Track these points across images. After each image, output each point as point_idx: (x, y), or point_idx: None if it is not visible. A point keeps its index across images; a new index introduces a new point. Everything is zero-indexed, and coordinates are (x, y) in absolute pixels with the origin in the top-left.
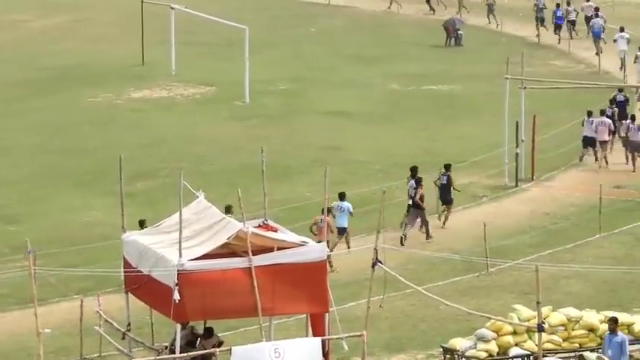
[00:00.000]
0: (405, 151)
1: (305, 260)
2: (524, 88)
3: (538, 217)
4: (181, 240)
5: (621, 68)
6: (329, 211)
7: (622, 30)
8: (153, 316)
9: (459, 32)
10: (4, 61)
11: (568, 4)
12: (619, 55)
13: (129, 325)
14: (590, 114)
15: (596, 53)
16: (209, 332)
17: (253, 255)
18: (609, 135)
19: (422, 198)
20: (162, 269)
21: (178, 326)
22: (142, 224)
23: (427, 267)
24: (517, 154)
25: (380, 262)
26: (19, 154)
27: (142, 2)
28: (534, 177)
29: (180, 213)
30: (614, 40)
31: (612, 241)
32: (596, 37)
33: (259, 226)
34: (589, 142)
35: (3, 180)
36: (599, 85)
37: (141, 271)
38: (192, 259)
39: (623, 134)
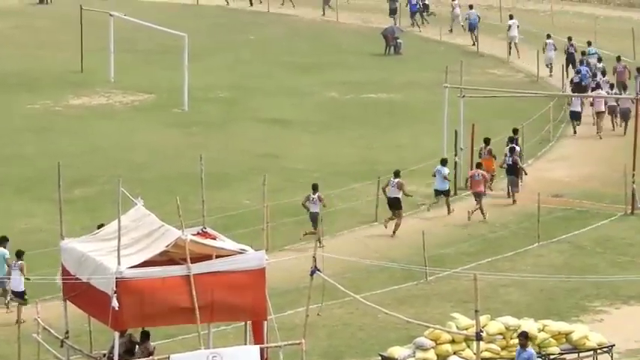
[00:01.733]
0: (343, 159)
1: (244, 268)
2: (463, 96)
3: (477, 225)
4: (120, 247)
5: (509, 53)
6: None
7: (511, 17)
8: (91, 323)
9: (398, 41)
10: None
11: None
12: (510, 39)
13: (67, 332)
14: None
15: (473, 44)
16: (146, 336)
17: (192, 263)
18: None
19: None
20: (101, 277)
21: (117, 334)
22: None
23: (366, 275)
24: (456, 162)
25: (318, 270)
26: None
27: (81, 9)
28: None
29: (119, 220)
30: (508, 28)
31: (551, 249)
32: (472, 28)
33: (198, 233)
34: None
35: None
36: (537, 93)
37: (79, 279)
38: (130, 267)
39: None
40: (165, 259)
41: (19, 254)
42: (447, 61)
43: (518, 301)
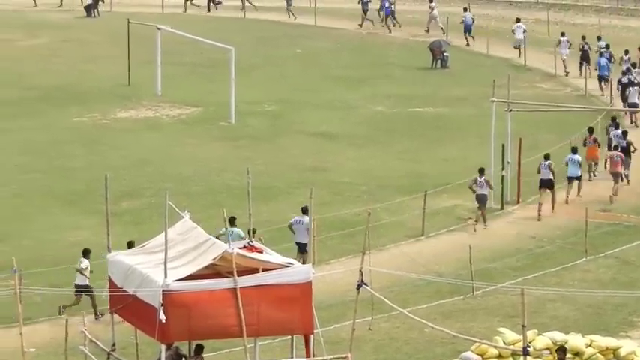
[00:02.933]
0: (390, 173)
1: (290, 281)
2: (511, 110)
3: (524, 239)
4: (167, 260)
5: (519, 56)
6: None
7: (518, 20)
8: (138, 336)
9: (445, 54)
10: None
11: None
12: (515, 43)
13: (114, 345)
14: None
15: (467, 44)
16: (200, 349)
17: (238, 276)
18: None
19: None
20: (148, 289)
21: (163, 346)
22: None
23: (412, 289)
24: (503, 176)
25: (365, 283)
26: (6, 173)
27: (129, 23)
28: (520, 200)
29: (166, 233)
30: (512, 31)
31: (598, 264)
32: (468, 30)
33: (244, 247)
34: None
35: None
36: (585, 108)
37: (126, 291)
38: (177, 280)
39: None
40: (211, 272)
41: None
42: (494, 74)
43: (565, 316)
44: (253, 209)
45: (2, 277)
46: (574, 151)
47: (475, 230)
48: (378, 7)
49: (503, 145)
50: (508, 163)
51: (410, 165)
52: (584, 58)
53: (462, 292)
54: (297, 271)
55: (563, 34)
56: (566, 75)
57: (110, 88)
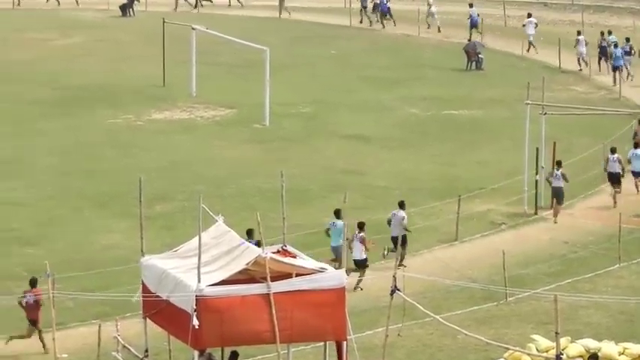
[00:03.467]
0: (424, 176)
1: (324, 287)
2: (545, 113)
3: (557, 245)
4: (200, 265)
5: (528, 50)
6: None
7: (529, 16)
8: (171, 342)
9: (479, 56)
10: (24, 81)
11: None
12: (528, 38)
13: (147, 351)
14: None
15: (469, 39)
16: (235, 356)
17: (272, 281)
18: None
19: None
20: (181, 294)
21: (196, 353)
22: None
23: (445, 295)
24: (537, 181)
25: (398, 289)
26: (38, 175)
27: (164, 23)
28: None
29: (200, 237)
30: (523, 25)
31: (632, 271)
32: (474, 26)
33: (278, 251)
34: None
35: (21, 201)
36: (620, 111)
37: (159, 296)
38: (210, 285)
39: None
40: (245, 277)
41: (361, 226)
42: (528, 77)
43: (598, 323)
44: (287, 213)
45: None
46: (636, 145)
47: (556, 222)
48: (372, 4)
49: (537, 149)
50: (542, 167)
51: (443, 168)
52: (603, 53)
53: (496, 299)
54: (331, 277)
55: (579, 33)
56: (582, 70)
57: (144, 89)
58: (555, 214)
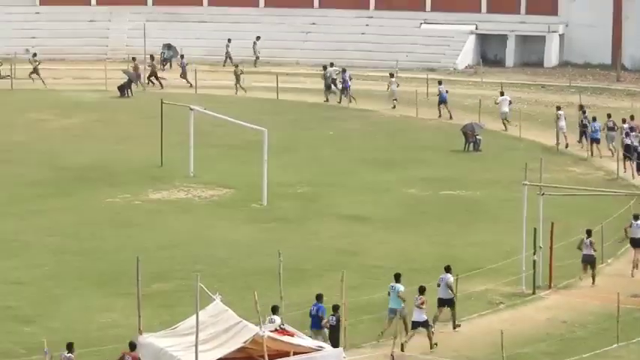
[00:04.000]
0: (422, 256)
1: None
2: (543, 194)
3: (555, 325)
4: (198, 343)
5: (505, 129)
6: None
7: (502, 94)
8: None
9: (477, 137)
10: (23, 161)
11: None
12: (500, 116)
13: None
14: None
15: (439, 116)
16: None
17: (270, 359)
18: None
19: None
20: None
21: None
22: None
23: None
24: (535, 261)
25: None
26: (37, 254)
27: (162, 103)
28: (552, 285)
29: (197, 316)
30: (496, 103)
31: (630, 350)
32: (443, 102)
33: (276, 330)
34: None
35: (20, 280)
36: (618, 192)
37: None
38: None
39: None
40: (243, 355)
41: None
42: (526, 158)
43: None
44: (284, 292)
45: (33, 359)
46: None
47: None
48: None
49: (535, 229)
50: (540, 247)
51: (442, 248)
52: (584, 129)
53: None
54: (329, 355)
55: (559, 108)
56: (566, 147)
57: (142, 169)
58: (593, 278)
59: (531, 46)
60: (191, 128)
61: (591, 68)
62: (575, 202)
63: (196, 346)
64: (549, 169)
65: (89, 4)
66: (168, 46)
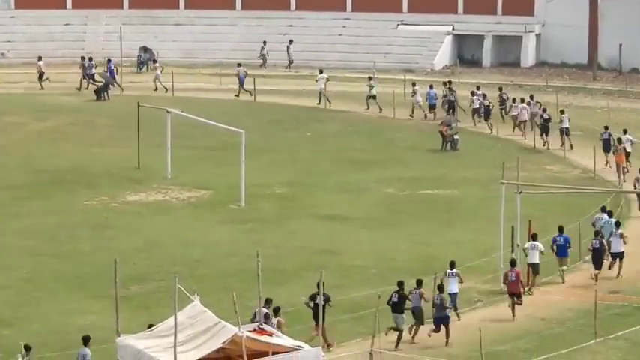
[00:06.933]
0: (400, 255)
1: None
2: (520, 192)
3: (534, 321)
4: (176, 344)
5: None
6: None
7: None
8: None
9: (455, 137)
10: None
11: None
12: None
13: None
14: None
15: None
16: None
17: (248, 359)
18: None
19: None
20: None
21: None
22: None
23: None
24: (512, 259)
25: None
26: (15, 257)
27: (139, 106)
28: (530, 282)
29: (175, 317)
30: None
31: (608, 346)
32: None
33: (254, 330)
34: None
35: None
36: (595, 190)
37: None
38: None
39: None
40: (221, 355)
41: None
42: (503, 157)
43: None
44: (263, 292)
45: None
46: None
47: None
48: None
49: (512, 228)
50: (518, 245)
51: (420, 247)
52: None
53: None
54: (307, 355)
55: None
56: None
57: (120, 172)
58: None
59: (508, 46)
60: (168, 130)
61: (568, 68)
62: (553, 200)
63: (175, 347)
64: (526, 168)
65: (65, 7)
66: (145, 49)
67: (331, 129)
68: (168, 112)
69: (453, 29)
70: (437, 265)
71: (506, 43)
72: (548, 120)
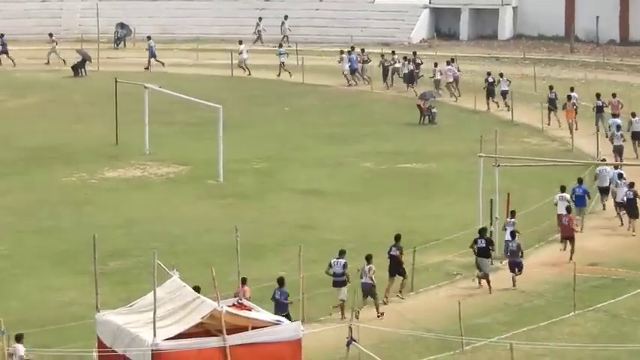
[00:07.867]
0: (379, 229)
1: (279, 339)
2: (498, 165)
3: (513, 294)
4: (155, 319)
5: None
6: None
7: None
8: None
9: (432, 110)
10: None
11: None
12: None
13: None
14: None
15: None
16: None
17: (228, 334)
18: None
19: None
20: (137, 349)
21: None
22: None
23: (401, 346)
24: (491, 232)
25: (354, 340)
26: None
27: (116, 82)
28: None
29: (155, 292)
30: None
31: (587, 318)
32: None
33: (233, 305)
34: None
35: None
36: (573, 162)
37: (115, 351)
38: (166, 339)
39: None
40: (200, 330)
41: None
42: (481, 130)
43: None
44: (242, 267)
45: None
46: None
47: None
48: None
49: (491, 201)
50: (496, 218)
51: (399, 221)
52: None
53: (452, 348)
54: (287, 329)
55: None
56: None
57: (98, 148)
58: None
59: (485, 19)
60: (146, 106)
61: (545, 40)
62: (531, 172)
63: (154, 322)
64: (504, 141)
65: None
66: (122, 25)
67: (309, 103)
68: (145, 87)
69: (430, 2)
70: (416, 238)
71: (483, 16)
72: (493, 83)
